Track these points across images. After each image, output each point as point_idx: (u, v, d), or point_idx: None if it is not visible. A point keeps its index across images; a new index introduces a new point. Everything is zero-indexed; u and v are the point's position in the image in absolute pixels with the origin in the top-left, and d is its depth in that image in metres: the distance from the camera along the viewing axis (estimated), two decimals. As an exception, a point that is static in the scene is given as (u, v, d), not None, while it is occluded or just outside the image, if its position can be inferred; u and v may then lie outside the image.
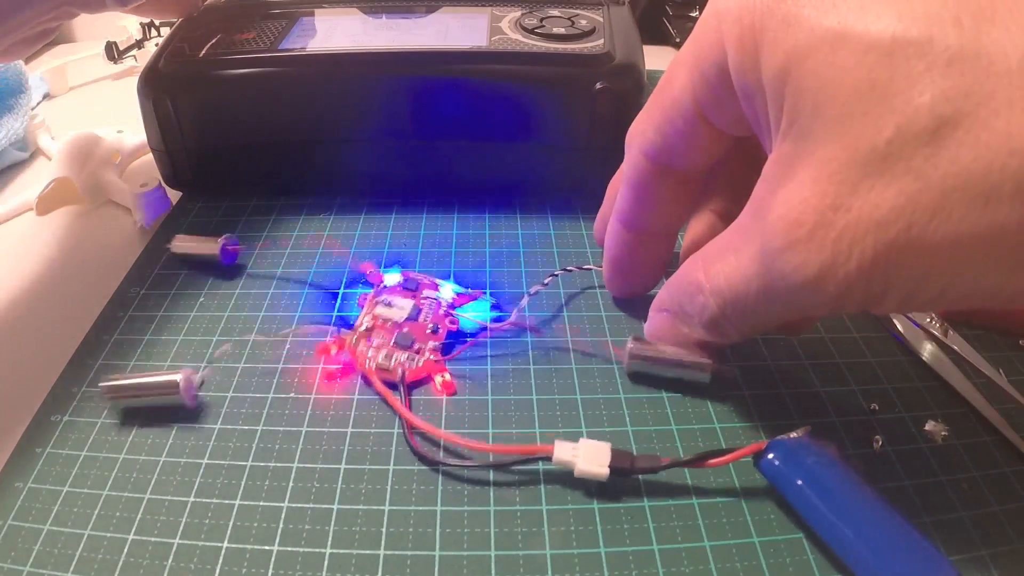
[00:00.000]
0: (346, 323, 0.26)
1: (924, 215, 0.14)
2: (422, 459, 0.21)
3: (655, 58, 0.35)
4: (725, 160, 0.23)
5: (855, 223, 0.15)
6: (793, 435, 0.19)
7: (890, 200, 0.14)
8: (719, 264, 0.19)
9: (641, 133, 0.22)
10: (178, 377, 0.22)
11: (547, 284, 0.27)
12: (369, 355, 0.24)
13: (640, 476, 0.20)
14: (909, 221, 0.14)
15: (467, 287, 0.27)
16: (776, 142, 0.17)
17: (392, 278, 0.27)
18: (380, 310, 0.26)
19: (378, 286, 0.27)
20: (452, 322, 0.25)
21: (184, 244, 0.29)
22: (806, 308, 0.18)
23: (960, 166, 0.14)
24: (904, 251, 0.15)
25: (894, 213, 0.14)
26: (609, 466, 0.19)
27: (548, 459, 0.20)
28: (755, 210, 0.18)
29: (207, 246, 0.29)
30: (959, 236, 0.14)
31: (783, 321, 0.20)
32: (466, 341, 0.25)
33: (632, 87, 0.30)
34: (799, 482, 0.19)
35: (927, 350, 0.26)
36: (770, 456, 0.19)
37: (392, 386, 0.23)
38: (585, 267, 0.29)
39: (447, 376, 0.23)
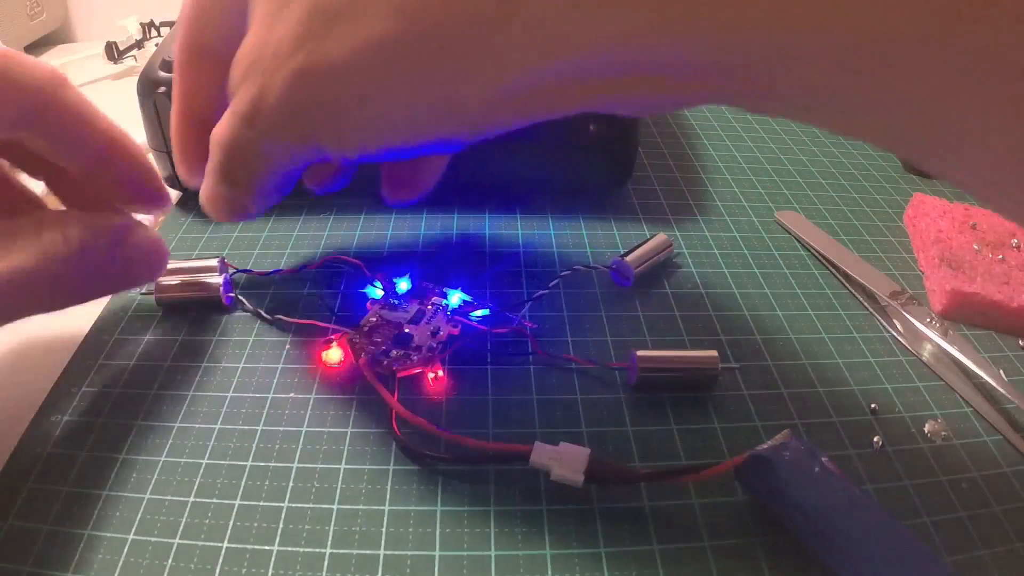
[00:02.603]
0: (349, 323, 0.26)
1: (317, 41, 0.15)
2: (404, 449, 0.21)
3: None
4: None
5: (271, 56, 0.16)
6: (772, 443, 0.19)
7: (292, 30, 0.15)
8: (220, 122, 0.20)
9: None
10: (219, 279, 0.26)
11: (552, 287, 0.27)
12: (367, 350, 0.24)
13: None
14: (308, 47, 0.15)
15: (473, 295, 0.27)
16: None
17: (402, 285, 0.27)
18: (385, 312, 0.26)
19: (388, 291, 0.27)
20: (454, 326, 0.26)
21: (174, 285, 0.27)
22: (270, 148, 0.18)
23: None
24: (311, 75, 0.15)
25: (296, 43, 0.15)
26: (584, 473, 0.19)
27: (525, 460, 0.20)
28: None
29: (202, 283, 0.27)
30: (354, 49, 0.15)
31: (288, 165, 0.19)
32: (464, 343, 0.25)
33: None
34: (781, 494, 0.18)
35: (927, 350, 0.26)
36: (750, 470, 0.19)
37: (387, 381, 0.23)
38: (592, 266, 0.29)
39: (440, 373, 0.23)
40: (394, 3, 0.14)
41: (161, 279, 0.26)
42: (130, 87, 0.32)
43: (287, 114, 0.17)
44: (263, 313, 0.26)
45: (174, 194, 0.34)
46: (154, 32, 0.51)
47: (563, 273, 0.28)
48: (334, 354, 0.24)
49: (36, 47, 0.53)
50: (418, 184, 0.25)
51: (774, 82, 0.13)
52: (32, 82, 0.19)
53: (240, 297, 0.27)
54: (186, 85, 0.23)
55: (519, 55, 0.14)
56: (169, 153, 0.32)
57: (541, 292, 0.27)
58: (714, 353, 0.23)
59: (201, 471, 0.20)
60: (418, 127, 0.16)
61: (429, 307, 0.26)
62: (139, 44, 0.51)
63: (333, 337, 0.25)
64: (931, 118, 0.12)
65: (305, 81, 0.16)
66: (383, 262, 0.29)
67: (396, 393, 0.23)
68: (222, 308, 0.26)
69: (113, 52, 0.51)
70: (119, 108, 0.43)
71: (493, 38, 0.14)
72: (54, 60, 0.49)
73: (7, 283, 0.18)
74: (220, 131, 0.20)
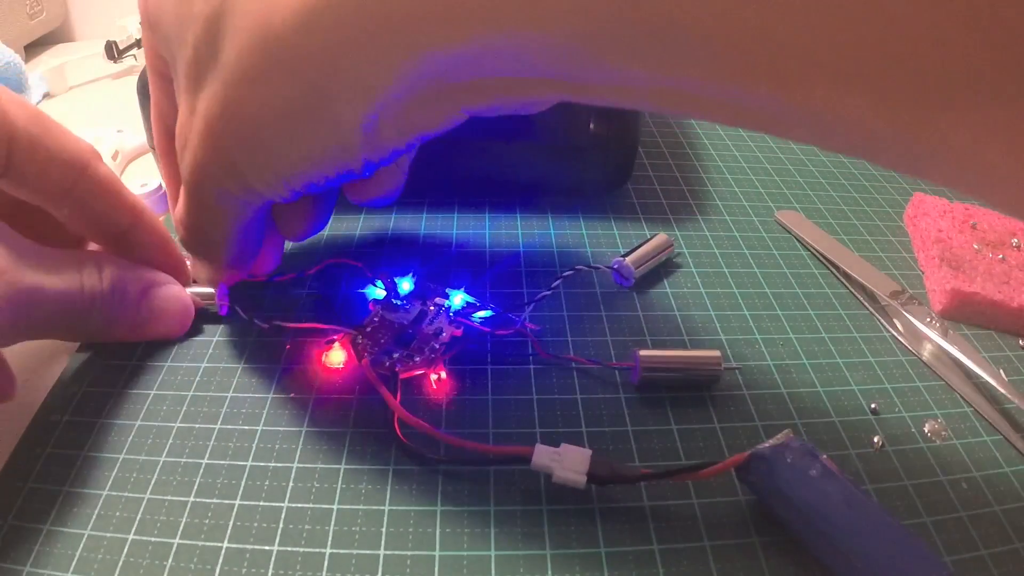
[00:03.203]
0: (350, 323, 0.26)
1: (226, 108, 0.17)
2: (404, 449, 0.21)
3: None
4: None
5: (196, 130, 0.18)
6: (773, 442, 0.19)
7: (209, 102, 0.18)
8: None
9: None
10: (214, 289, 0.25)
11: (555, 287, 0.27)
12: (370, 351, 0.24)
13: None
14: (218, 113, 0.18)
15: (473, 295, 0.27)
16: None
17: (405, 285, 0.27)
18: (387, 313, 0.26)
19: (390, 292, 0.27)
20: (457, 328, 0.25)
21: None
22: (220, 204, 0.20)
23: (231, 58, 0.16)
24: (225, 136, 0.18)
25: (212, 109, 0.18)
26: (587, 474, 0.19)
27: (527, 462, 0.20)
28: None
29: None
30: (259, 106, 0.17)
31: (238, 214, 0.21)
32: (466, 344, 0.25)
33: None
34: (781, 493, 0.18)
35: (927, 350, 0.26)
36: (751, 469, 0.19)
37: (388, 381, 0.23)
38: (594, 266, 0.29)
39: (442, 375, 0.23)
40: (276, 65, 0.16)
41: None
42: (130, 86, 0.32)
43: (218, 169, 0.19)
44: (258, 322, 0.25)
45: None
46: (154, 32, 0.51)
47: (565, 273, 0.28)
48: (336, 355, 0.24)
49: (36, 46, 0.53)
50: (381, 186, 0.26)
51: (604, 73, 0.14)
52: (67, 155, 0.21)
53: (236, 308, 0.25)
54: (167, 165, 0.25)
55: (373, 78, 0.16)
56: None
57: (544, 293, 0.27)
58: (717, 353, 0.23)
59: (201, 471, 0.20)
60: (324, 161, 0.18)
61: (431, 308, 0.26)
62: (139, 43, 0.51)
63: (335, 338, 0.25)
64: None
65: (224, 139, 0.18)
66: (383, 262, 0.29)
67: (399, 394, 0.22)
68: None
69: (113, 51, 0.51)
70: (119, 107, 0.44)
71: (345, 74, 0.16)
72: (54, 59, 0.49)
73: (47, 301, 0.19)
74: (177, 209, 0.22)
